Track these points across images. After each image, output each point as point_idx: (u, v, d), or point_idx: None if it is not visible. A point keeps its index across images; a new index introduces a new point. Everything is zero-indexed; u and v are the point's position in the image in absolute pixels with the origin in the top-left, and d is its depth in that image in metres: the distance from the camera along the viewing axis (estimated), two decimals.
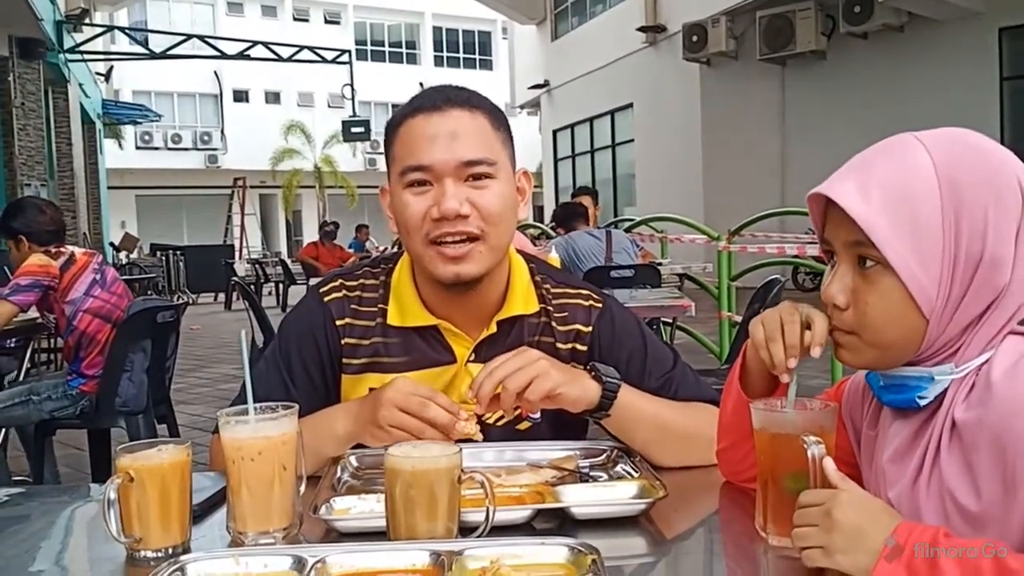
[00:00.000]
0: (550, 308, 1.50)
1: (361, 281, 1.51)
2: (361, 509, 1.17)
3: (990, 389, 0.93)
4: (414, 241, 1.38)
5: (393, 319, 1.47)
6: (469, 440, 1.28)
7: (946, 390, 0.98)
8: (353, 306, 1.48)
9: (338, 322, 1.47)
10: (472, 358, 1.46)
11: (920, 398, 0.99)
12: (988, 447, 0.92)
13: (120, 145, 21.82)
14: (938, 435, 0.97)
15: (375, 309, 1.48)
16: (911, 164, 0.95)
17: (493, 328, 1.46)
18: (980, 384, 0.95)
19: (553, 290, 1.52)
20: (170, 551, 1.07)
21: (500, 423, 1.44)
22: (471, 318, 1.46)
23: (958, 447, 0.95)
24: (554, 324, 1.49)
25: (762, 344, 1.07)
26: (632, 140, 18.52)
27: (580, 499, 1.18)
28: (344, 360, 1.47)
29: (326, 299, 1.49)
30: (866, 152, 1.00)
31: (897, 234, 0.94)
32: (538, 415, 1.45)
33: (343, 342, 1.47)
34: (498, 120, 1.41)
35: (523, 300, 1.48)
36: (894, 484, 1.02)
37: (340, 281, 1.51)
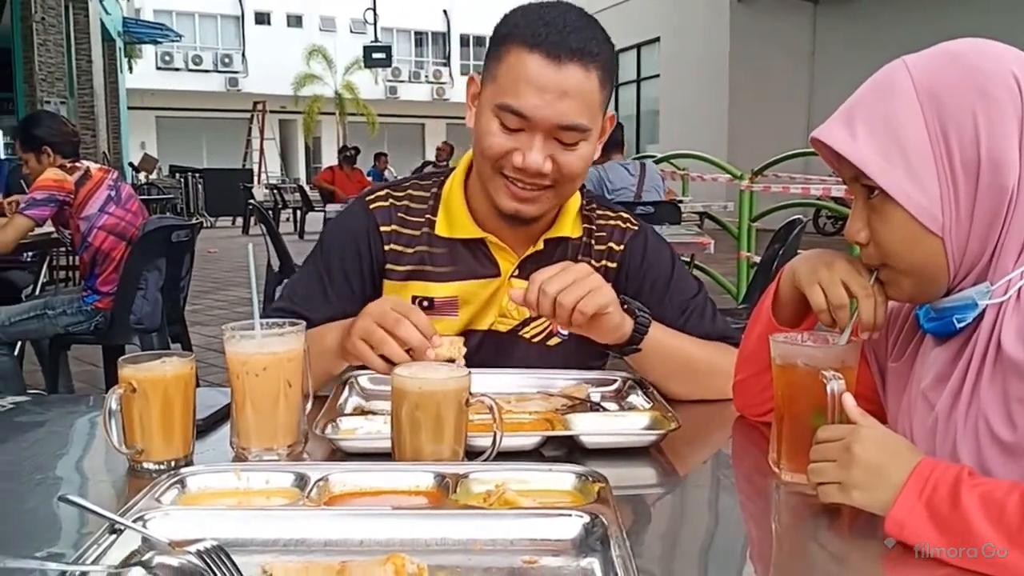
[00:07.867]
0: (592, 228, 1.52)
1: (409, 192, 1.53)
2: (368, 430, 1.15)
3: None
4: (485, 165, 1.38)
5: (441, 229, 1.48)
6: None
7: (984, 312, 0.94)
8: (400, 214, 1.50)
9: (383, 228, 1.48)
10: (516, 273, 1.47)
11: (958, 320, 0.96)
12: None
13: (130, 67, 21.25)
14: (979, 359, 0.94)
15: (422, 219, 1.49)
16: (892, 89, 0.96)
17: (540, 246, 1.47)
18: None
19: (598, 211, 1.54)
20: (172, 464, 1.06)
21: (535, 339, 1.47)
22: (520, 235, 1.47)
23: (1000, 374, 0.92)
24: (593, 243, 1.51)
25: (824, 310, 1.05)
26: (657, 75, 18.20)
27: (590, 428, 1.16)
28: (388, 266, 1.48)
29: (372, 206, 1.50)
30: (858, 90, 1.01)
31: (887, 161, 0.93)
32: (567, 332, 1.45)
33: (387, 248, 1.48)
34: (608, 72, 1.35)
35: (571, 224, 1.50)
36: (931, 411, 0.99)
37: (387, 191, 1.53)
